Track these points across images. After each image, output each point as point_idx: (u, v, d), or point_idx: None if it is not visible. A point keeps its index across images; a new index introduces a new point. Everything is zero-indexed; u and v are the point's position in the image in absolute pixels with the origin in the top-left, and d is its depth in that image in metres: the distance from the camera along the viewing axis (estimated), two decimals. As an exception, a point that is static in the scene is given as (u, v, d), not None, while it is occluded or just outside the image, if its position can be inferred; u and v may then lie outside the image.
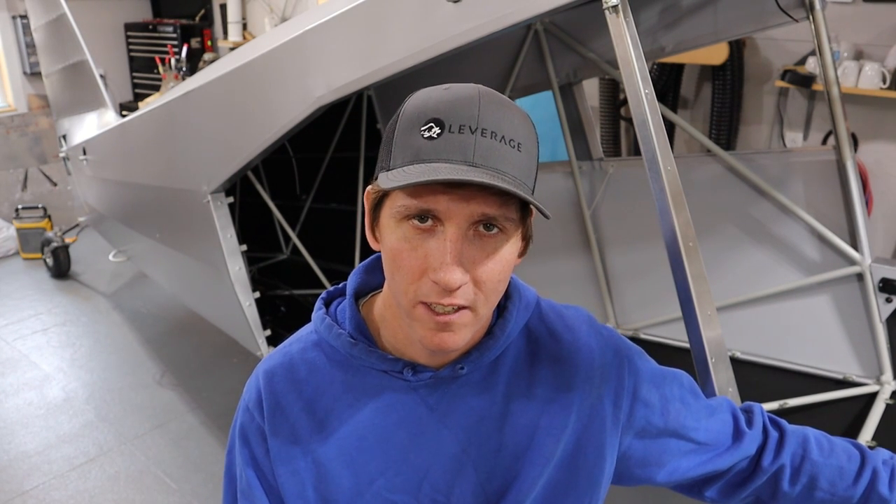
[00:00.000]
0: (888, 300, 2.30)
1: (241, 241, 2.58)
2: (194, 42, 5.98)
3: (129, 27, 6.20)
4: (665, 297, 2.26)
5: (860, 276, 2.34)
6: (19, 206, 5.12)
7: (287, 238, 4.03)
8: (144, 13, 6.38)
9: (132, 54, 6.24)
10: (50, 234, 4.77)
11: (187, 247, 2.87)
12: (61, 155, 4.40)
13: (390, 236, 0.76)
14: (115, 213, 3.67)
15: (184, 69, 5.34)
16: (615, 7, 1.44)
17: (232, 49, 5.47)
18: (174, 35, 5.91)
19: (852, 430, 2.15)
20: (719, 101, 3.78)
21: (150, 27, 6.05)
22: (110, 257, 4.88)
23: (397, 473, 0.85)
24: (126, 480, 2.80)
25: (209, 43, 6.08)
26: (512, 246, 0.77)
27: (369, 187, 0.79)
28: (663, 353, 2.69)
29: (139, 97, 6.08)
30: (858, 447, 1.01)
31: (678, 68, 3.90)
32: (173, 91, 2.98)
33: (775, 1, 2.20)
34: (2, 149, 5.54)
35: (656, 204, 1.45)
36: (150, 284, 4.45)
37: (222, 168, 2.40)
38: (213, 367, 3.59)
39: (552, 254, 3.04)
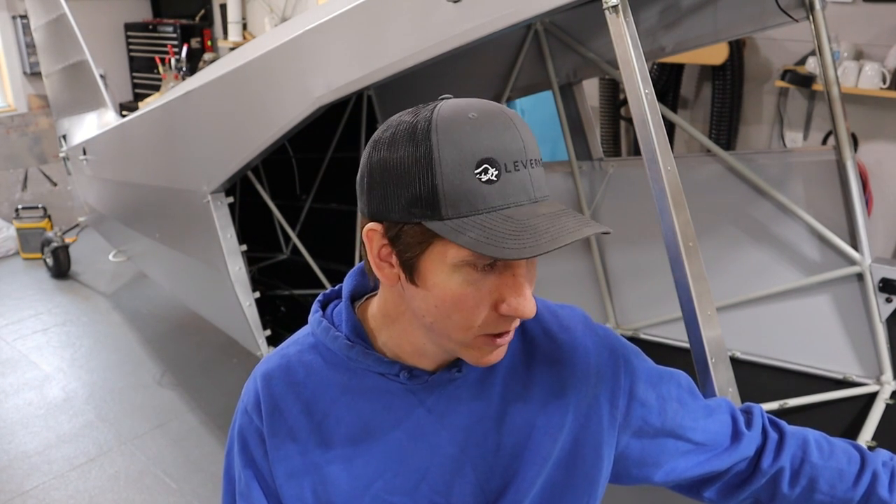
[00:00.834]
0: (888, 300, 2.29)
1: (241, 241, 2.58)
2: (194, 42, 5.98)
3: (129, 27, 6.20)
4: (665, 297, 2.27)
5: (860, 276, 2.33)
6: (19, 206, 5.13)
7: (287, 238, 4.03)
8: (144, 13, 6.38)
9: (132, 54, 6.24)
10: (50, 234, 4.77)
11: (187, 247, 2.87)
12: (61, 155, 4.40)
13: (447, 282, 0.74)
14: (115, 213, 3.67)
15: (184, 69, 5.34)
16: (615, 7, 1.44)
17: (232, 49, 5.47)
18: (174, 35, 5.91)
19: (852, 431, 2.14)
20: (719, 101, 3.78)
21: (150, 27, 6.05)
22: (110, 257, 4.89)
23: (396, 475, 0.85)
24: (126, 480, 2.80)
25: (209, 43, 6.08)
26: None
27: (414, 228, 0.73)
28: (663, 353, 2.69)
29: (139, 97, 6.08)
30: (859, 449, 1.01)
31: (678, 68, 3.90)
32: (173, 91, 2.98)
33: (775, 1, 2.20)
34: (2, 149, 5.54)
35: (656, 204, 1.45)
36: (150, 284, 4.45)
37: (222, 168, 2.40)
38: (213, 367, 3.59)
39: (552, 254, 3.01)
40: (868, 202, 3.20)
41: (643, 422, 0.93)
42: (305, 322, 0.93)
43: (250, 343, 2.65)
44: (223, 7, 5.85)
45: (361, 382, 0.86)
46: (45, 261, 4.78)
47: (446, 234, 0.70)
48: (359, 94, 3.11)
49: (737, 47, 3.66)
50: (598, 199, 2.93)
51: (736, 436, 0.98)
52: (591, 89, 4.05)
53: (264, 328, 2.62)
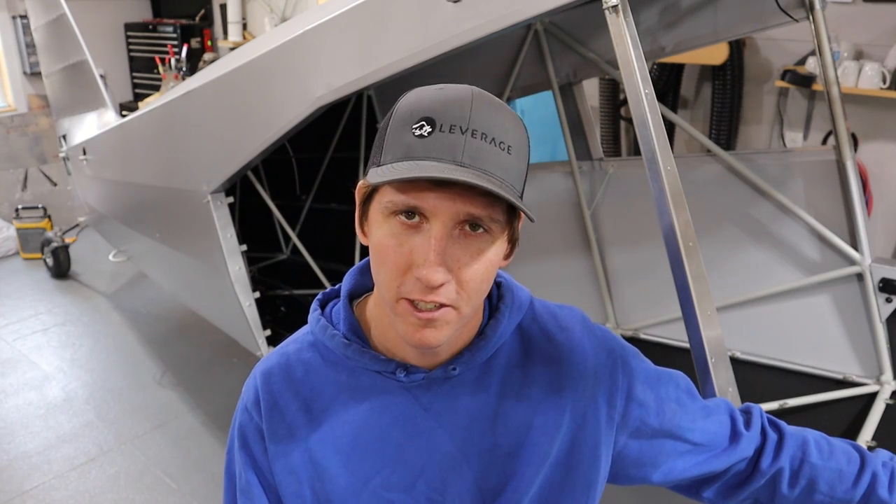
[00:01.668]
0: (888, 300, 2.30)
1: (241, 241, 2.58)
2: (194, 42, 5.98)
3: (129, 27, 6.20)
4: (665, 297, 2.26)
5: (860, 276, 2.34)
6: (19, 206, 5.13)
7: (287, 238, 4.03)
8: (144, 13, 6.38)
9: (132, 54, 6.25)
10: (50, 234, 4.77)
11: (187, 247, 2.87)
12: (61, 155, 4.40)
13: (378, 231, 0.77)
14: (115, 213, 3.67)
15: (184, 69, 5.34)
16: (615, 7, 1.44)
17: (232, 49, 5.47)
18: (174, 35, 5.91)
19: (852, 431, 2.15)
20: (719, 101, 3.78)
21: (150, 27, 6.06)
22: (110, 257, 4.88)
23: (393, 472, 0.86)
24: (126, 480, 2.80)
25: (209, 43, 6.08)
26: (497, 248, 0.77)
27: (360, 182, 0.80)
28: (663, 353, 2.69)
29: (139, 97, 6.08)
30: (858, 449, 1.01)
31: (678, 68, 3.90)
32: (173, 91, 2.98)
33: (775, 1, 2.20)
34: (2, 149, 5.54)
35: (656, 204, 1.45)
36: (150, 284, 4.46)
37: (222, 168, 2.40)
38: (213, 367, 3.59)
39: (552, 254, 3.04)
40: (868, 202, 3.20)
41: (641, 422, 0.93)
42: (305, 322, 0.94)
43: (250, 343, 2.65)
44: (223, 7, 5.85)
45: (359, 380, 0.87)
46: (45, 261, 4.78)
47: (371, 175, 0.75)
48: (359, 94, 3.11)
49: (737, 47, 3.66)
50: (598, 199, 2.94)
51: (735, 436, 0.98)
52: (591, 89, 4.06)
53: (264, 328, 2.62)
